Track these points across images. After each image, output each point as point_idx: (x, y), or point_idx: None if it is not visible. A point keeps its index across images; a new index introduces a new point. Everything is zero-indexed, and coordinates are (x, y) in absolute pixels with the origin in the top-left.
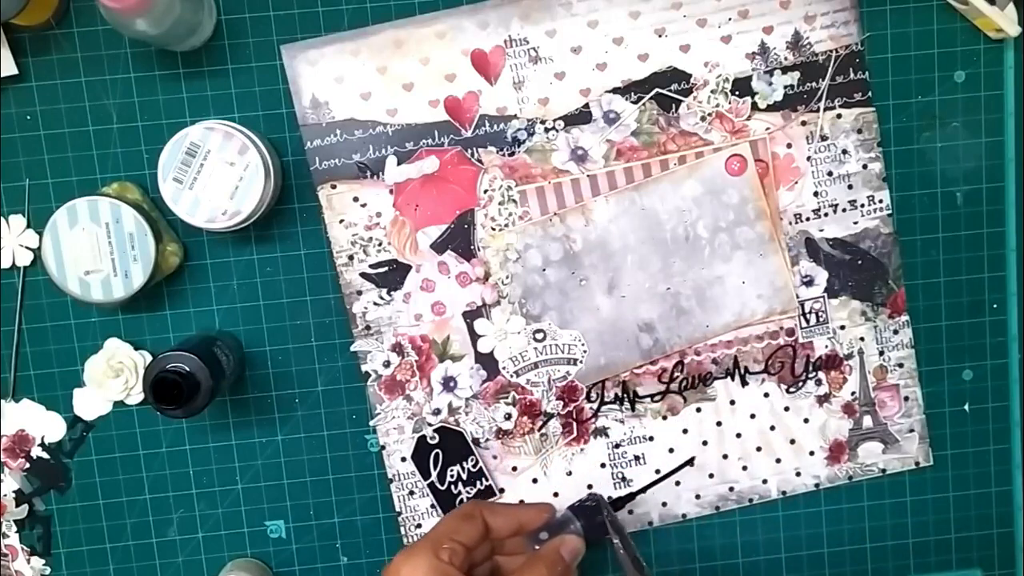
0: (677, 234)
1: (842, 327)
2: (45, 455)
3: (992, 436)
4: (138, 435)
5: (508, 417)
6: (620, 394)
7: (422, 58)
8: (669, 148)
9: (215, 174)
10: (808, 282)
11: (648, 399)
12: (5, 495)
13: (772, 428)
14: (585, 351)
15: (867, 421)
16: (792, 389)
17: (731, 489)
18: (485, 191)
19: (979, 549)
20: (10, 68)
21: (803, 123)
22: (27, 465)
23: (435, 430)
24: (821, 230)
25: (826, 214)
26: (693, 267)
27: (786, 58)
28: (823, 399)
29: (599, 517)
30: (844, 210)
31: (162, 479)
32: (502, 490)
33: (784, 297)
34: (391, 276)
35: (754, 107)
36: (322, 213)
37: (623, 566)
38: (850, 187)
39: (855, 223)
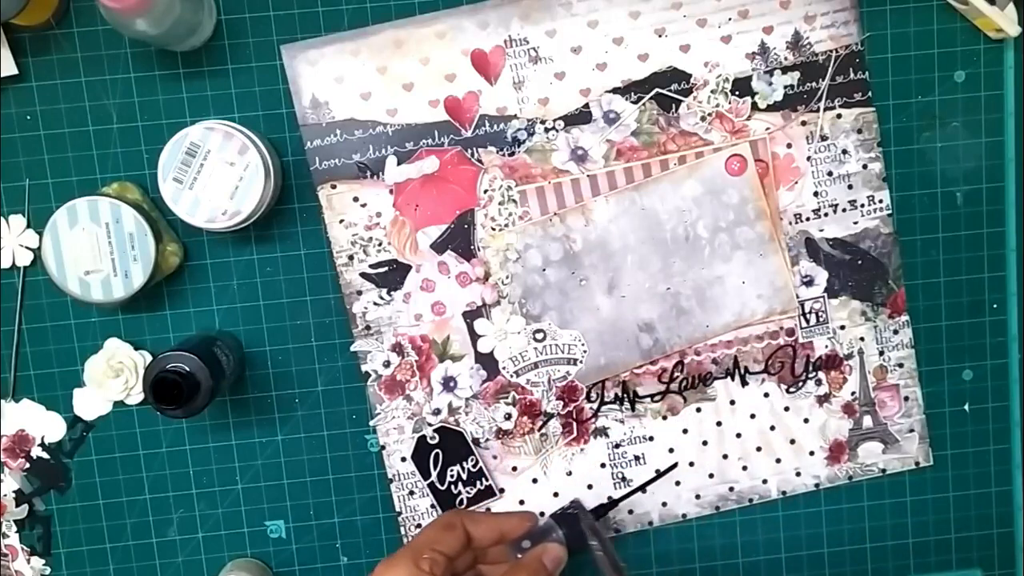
0: (677, 234)
1: (842, 327)
2: (45, 455)
3: (992, 436)
4: (138, 435)
5: (508, 417)
6: (620, 394)
7: (422, 58)
8: (669, 148)
9: (215, 174)
10: (808, 282)
11: (648, 399)
12: (5, 495)
13: (772, 428)
14: (585, 351)
15: (867, 421)
16: (792, 389)
17: (731, 489)
18: (485, 191)
19: (979, 549)
20: (10, 68)
21: (803, 123)
22: (27, 465)
23: (435, 430)
24: (821, 230)
25: (826, 214)
26: (693, 267)
27: (786, 58)
28: (823, 399)
29: (581, 525)
30: (844, 210)
31: (162, 479)
32: (502, 490)
33: (784, 297)
34: (391, 276)
35: (754, 107)
36: (322, 213)
37: (603, 572)
38: (850, 187)
39: (855, 223)
